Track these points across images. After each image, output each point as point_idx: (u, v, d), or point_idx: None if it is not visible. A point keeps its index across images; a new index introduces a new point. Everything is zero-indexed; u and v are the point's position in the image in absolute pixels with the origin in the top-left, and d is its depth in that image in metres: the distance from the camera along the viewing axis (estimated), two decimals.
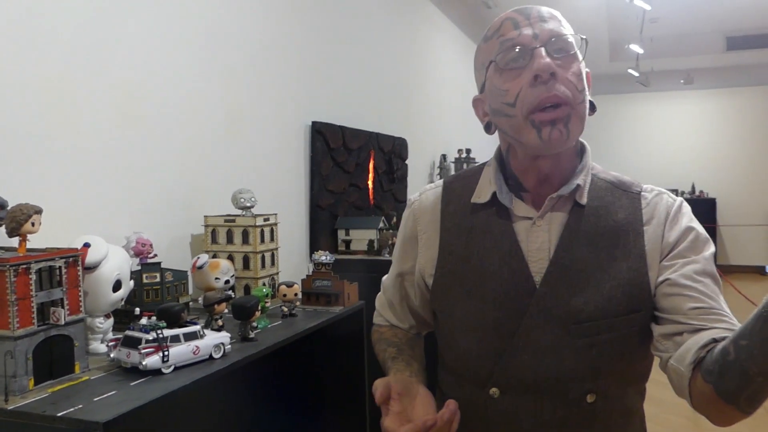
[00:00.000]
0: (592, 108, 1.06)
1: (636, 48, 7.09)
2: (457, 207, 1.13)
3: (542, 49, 0.98)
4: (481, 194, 1.11)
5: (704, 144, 9.50)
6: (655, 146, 9.71)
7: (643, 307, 1.01)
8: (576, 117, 0.99)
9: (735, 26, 7.63)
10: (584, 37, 1.03)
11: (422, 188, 1.22)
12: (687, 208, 1.08)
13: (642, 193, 1.08)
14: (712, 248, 1.04)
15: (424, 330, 1.29)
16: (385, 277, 1.30)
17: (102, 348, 1.40)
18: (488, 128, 1.11)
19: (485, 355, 1.05)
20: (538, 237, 1.05)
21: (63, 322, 1.19)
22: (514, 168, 1.09)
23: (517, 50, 1.00)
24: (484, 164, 1.17)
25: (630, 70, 7.85)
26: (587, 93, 1.03)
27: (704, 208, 9.06)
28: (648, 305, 1.01)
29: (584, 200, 1.05)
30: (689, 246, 1.02)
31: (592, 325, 1.00)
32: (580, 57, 1.02)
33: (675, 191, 9.45)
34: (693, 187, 9.39)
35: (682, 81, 8.97)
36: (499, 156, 1.13)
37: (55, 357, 1.19)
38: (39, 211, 1.24)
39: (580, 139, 1.10)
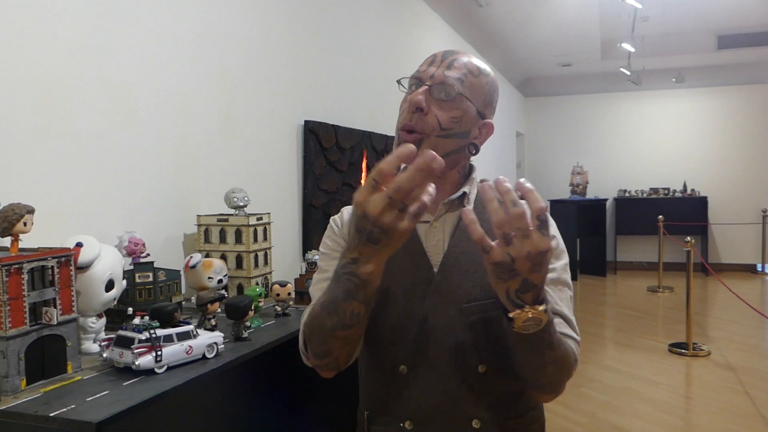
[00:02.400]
0: (475, 150, 1.28)
1: (627, 47, 7.13)
2: None
3: (424, 88, 1.21)
4: None
5: (696, 142, 9.54)
6: (646, 144, 9.75)
7: None
8: (428, 144, 1.20)
9: (726, 25, 7.68)
10: (466, 95, 1.22)
11: (343, 209, 1.40)
12: (551, 220, 1.26)
13: None
14: (566, 259, 1.28)
15: None
16: (311, 289, 1.35)
17: (94, 348, 1.39)
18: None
19: (391, 337, 1.23)
20: (435, 236, 1.26)
21: (55, 322, 1.18)
22: None
23: (415, 80, 1.25)
24: None
25: (621, 69, 7.89)
26: (461, 135, 1.23)
27: (696, 207, 9.11)
28: None
29: (471, 205, 1.27)
30: (560, 250, 1.26)
31: (480, 305, 1.19)
32: (468, 107, 1.23)
33: (667, 190, 9.50)
34: (684, 186, 9.44)
35: (673, 79, 9.01)
36: None
37: (47, 357, 1.19)
38: (31, 211, 1.23)
39: (471, 162, 1.35)
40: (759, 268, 9.35)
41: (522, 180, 0.95)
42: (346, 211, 1.39)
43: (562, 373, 1.14)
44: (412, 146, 0.87)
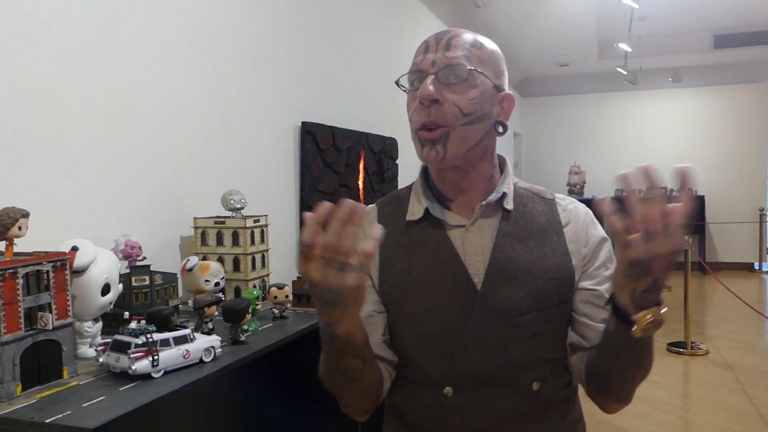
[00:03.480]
0: (504, 128, 1.17)
1: (624, 46, 7.13)
2: (393, 227, 1.20)
3: (431, 77, 1.09)
4: (414, 212, 1.20)
5: (693, 142, 9.55)
6: (643, 144, 9.75)
7: (569, 298, 1.15)
8: (455, 137, 1.09)
9: (722, 24, 7.69)
10: (479, 69, 1.11)
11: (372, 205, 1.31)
12: (595, 218, 1.22)
13: (556, 200, 1.22)
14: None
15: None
16: None
17: (90, 352, 1.38)
18: None
19: (437, 358, 1.12)
20: (473, 242, 1.14)
21: (51, 327, 1.17)
22: (435, 181, 1.21)
23: (415, 73, 1.13)
24: (410, 185, 1.27)
25: (619, 69, 7.89)
26: (485, 116, 1.12)
27: (693, 206, 9.11)
28: (572, 296, 1.16)
29: (511, 206, 1.17)
30: (609, 256, 1.18)
31: (532, 318, 1.10)
32: (484, 82, 1.12)
33: (664, 189, 9.47)
34: None
35: (670, 79, 9.02)
36: (425, 172, 1.24)
37: (42, 362, 1.18)
38: (26, 215, 1.22)
39: (500, 153, 1.24)
40: (756, 266, 9.35)
41: (683, 167, 0.88)
42: (375, 207, 1.27)
43: (644, 378, 1.08)
44: (326, 204, 0.83)
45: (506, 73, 1.19)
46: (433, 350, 1.13)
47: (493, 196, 1.15)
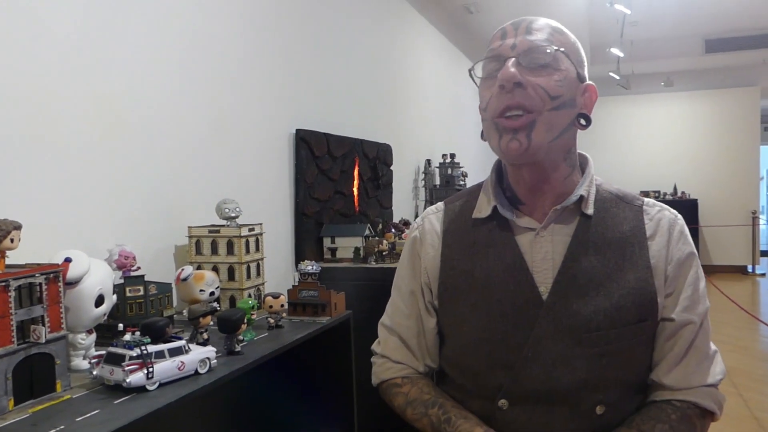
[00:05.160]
0: (587, 122, 1.09)
1: (617, 51, 7.15)
2: (458, 225, 1.14)
3: (512, 60, 1.01)
4: (482, 209, 1.12)
5: (685, 145, 9.60)
6: (637, 148, 9.80)
7: (649, 317, 1.04)
8: (542, 125, 1.01)
9: (713, 29, 7.73)
10: (562, 49, 1.04)
11: (424, 212, 1.23)
12: (686, 228, 1.12)
13: (644, 207, 1.11)
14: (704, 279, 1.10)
15: (437, 364, 1.24)
16: (383, 320, 1.26)
17: (84, 364, 1.37)
18: (482, 135, 1.14)
19: (494, 368, 1.05)
20: (542, 248, 1.06)
21: (44, 340, 1.16)
22: (510, 179, 1.12)
23: (493, 60, 1.05)
24: (482, 182, 1.19)
25: (611, 73, 7.92)
26: (570, 103, 1.05)
27: (686, 209, 9.15)
28: (654, 316, 1.05)
29: (590, 210, 1.07)
30: (697, 276, 1.08)
31: (602, 335, 1.01)
32: (568, 67, 1.04)
33: (657, 192, 9.53)
34: (675, 188, 9.48)
35: (662, 83, 9.06)
36: (498, 168, 1.16)
37: (35, 376, 1.16)
38: (18, 227, 1.21)
39: (581, 151, 1.13)
40: (749, 269, 9.39)
41: None
42: (428, 218, 1.21)
43: None
44: None
45: (586, 64, 1.12)
46: (490, 360, 1.06)
47: (568, 200, 1.07)
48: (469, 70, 1.10)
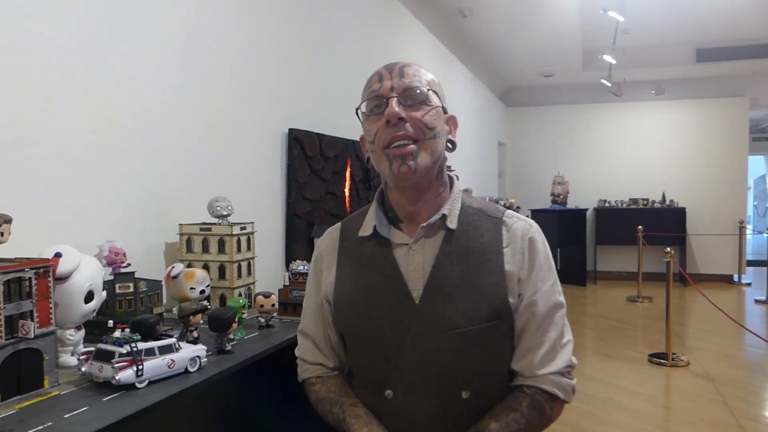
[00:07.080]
0: (453, 146, 1.29)
1: (609, 58, 7.20)
2: (350, 242, 1.35)
3: (395, 99, 1.21)
4: (366, 228, 1.32)
5: (674, 154, 9.65)
6: (626, 155, 9.84)
7: (504, 315, 1.23)
8: (424, 151, 1.21)
9: (704, 38, 7.81)
10: (433, 89, 1.25)
11: (327, 230, 1.43)
12: (539, 234, 1.30)
13: (503, 219, 1.30)
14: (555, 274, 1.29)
15: (345, 363, 1.42)
16: (300, 327, 1.44)
17: (72, 361, 1.35)
18: (367, 161, 1.33)
19: (377, 363, 1.25)
20: (414, 260, 1.25)
21: (32, 335, 1.15)
22: (391, 201, 1.31)
23: (374, 99, 1.26)
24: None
25: (602, 80, 7.97)
26: (442, 132, 1.25)
27: (674, 218, 9.21)
28: (508, 313, 1.24)
29: (453, 225, 1.25)
30: (542, 276, 1.26)
31: (463, 332, 1.20)
32: (437, 103, 1.25)
33: (646, 200, 9.59)
34: (663, 197, 9.53)
35: (653, 91, 9.13)
36: (380, 193, 1.35)
37: (23, 371, 1.15)
38: (8, 221, 1.20)
39: (449, 173, 1.34)
40: (736, 278, 9.46)
41: None
42: (329, 236, 1.41)
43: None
44: None
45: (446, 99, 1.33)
46: (375, 356, 1.25)
47: (432, 219, 1.25)
48: (356, 109, 1.30)
